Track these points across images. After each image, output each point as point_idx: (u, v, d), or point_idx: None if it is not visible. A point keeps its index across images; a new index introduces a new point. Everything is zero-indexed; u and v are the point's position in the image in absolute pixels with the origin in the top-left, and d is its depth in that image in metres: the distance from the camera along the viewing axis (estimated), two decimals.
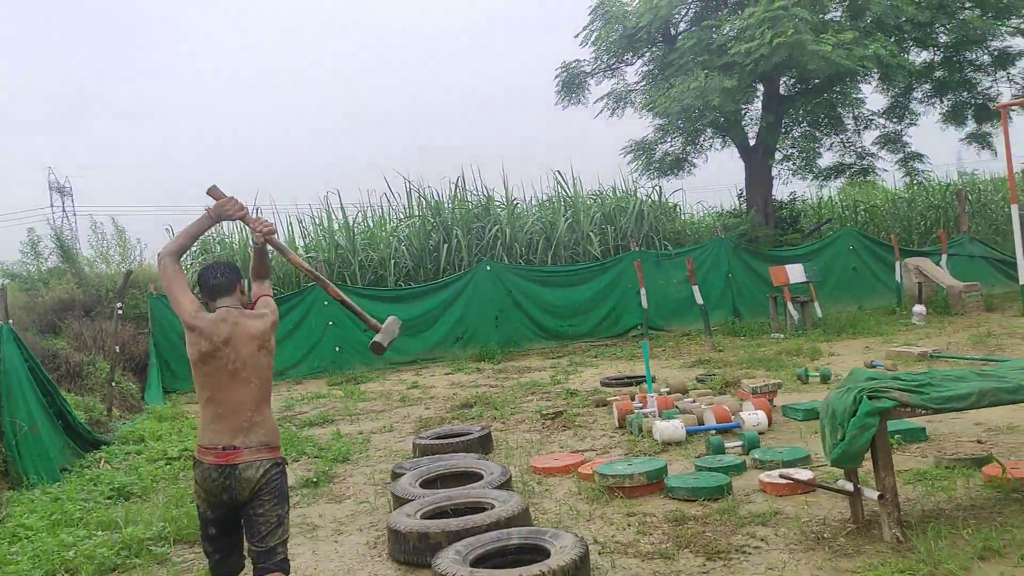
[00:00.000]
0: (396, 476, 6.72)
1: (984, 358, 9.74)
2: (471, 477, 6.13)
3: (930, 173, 18.94)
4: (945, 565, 4.07)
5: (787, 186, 19.56)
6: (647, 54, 17.81)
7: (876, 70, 15.26)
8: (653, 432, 7.27)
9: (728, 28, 15.62)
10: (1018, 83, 18.09)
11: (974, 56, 17.84)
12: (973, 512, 4.77)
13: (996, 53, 17.78)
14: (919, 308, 13.69)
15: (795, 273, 13.97)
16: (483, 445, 7.57)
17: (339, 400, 11.80)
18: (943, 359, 9.99)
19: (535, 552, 4.62)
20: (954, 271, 15.22)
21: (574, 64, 18.60)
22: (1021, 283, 7.96)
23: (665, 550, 4.73)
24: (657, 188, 17.71)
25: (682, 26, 17.40)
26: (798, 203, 19.40)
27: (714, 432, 7.30)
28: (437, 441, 7.62)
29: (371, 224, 16.75)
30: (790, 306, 13.79)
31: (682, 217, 18.31)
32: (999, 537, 4.26)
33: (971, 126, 18.57)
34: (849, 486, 4.71)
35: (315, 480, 7.16)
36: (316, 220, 16.85)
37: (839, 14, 16.18)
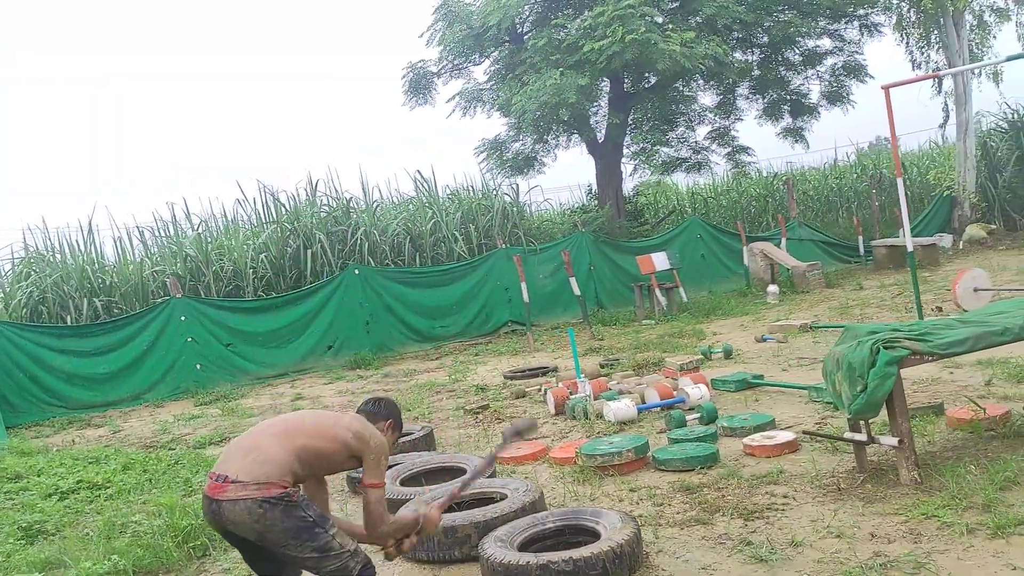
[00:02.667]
0: (351, 481, 6.36)
1: (848, 326, 10.52)
2: (454, 472, 5.88)
3: (756, 165, 20.42)
4: (975, 497, 4.35)
5: (634, 179, 20.28)
6: (495, 54, 17.93)
7: (709, 68, 16.11)
8: (605, 413, 7.30)
9: (576, 27, 16.01)
10: (826, 80, 19.85)
11: (788, 56, 19.33)
12: (964, 452, 5.12)
13: (806, 53, 19.39)
14: (773, 288, 14.64)
15: (660, 261, 14.54)
16: (427, 443, 7.29)
17: (220, 419, 10.99)
18: (822, 328, 10.73)
19: (579, 533, 4.50)
20: (791, 253, 16.41)
21: (420, 64, 18.42)
22: (910, 250, 8.64)
23: (697, 517, 4.75)
24: (514, 186, 17.89)
25: (527, 26, 17.66)
26: (643, 196, 20.25)
27: (659, 409, 7.44)
28: None
29: (224, 232, 15.76)
30: (658, 292, 14.32)
31: (539, 214, 18.58)
32: (1007, 469, 4.59)
33: (787, 121, 20.11)
34: (863, 436, 4.93)
35: None
36: (158, 232, 15.64)
37: (672, 12, 16.96)
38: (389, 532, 3.60)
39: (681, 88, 18.43)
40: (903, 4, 19.79)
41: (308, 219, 15.46)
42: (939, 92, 20.50)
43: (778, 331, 10.72)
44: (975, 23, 19.77)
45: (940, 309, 10.67)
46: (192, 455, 8.50)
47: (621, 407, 7.19)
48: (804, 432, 5.74)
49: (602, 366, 9.90)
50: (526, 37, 17.36)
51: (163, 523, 5.58)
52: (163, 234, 15.51)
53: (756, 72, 19.04)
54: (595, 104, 17.39)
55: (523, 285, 13.58)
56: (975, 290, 10.37)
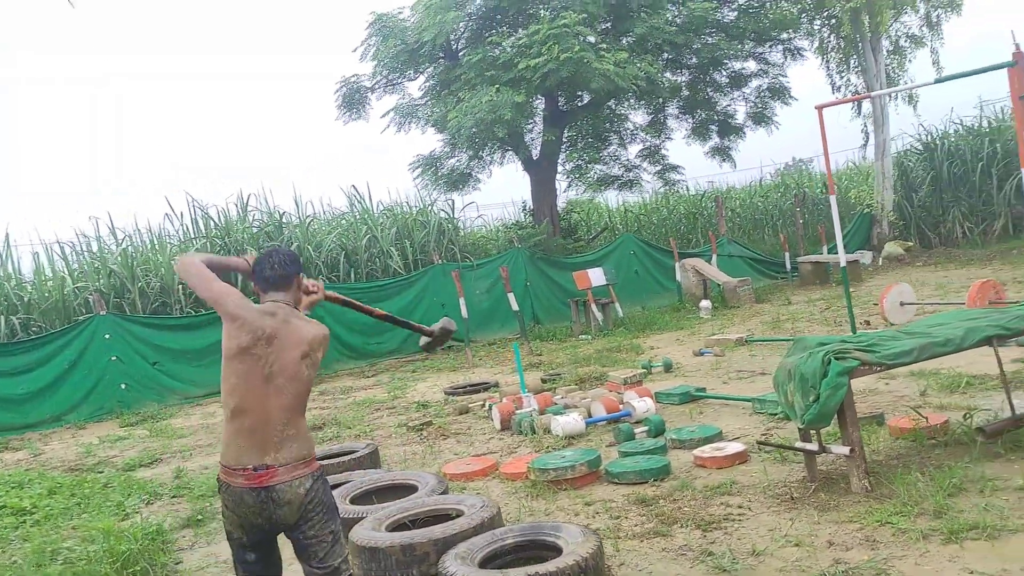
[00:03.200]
0: None
1: (790, 339, 10.79)
2: (406, 489, 5.77)
3: (685, 183, 20.79)
4: (925, 504, 4.46)
5: (568, 196, 20.42)
6: (429, 69, 17.89)
7: (641, 88, 16.36)
8: (553, 428, 7.28)
9: (510, 44, 16.10)
10: (751, 101, 20.38)
11: (715, 77, 19.80)
12: (908, 460, 5.26)
13: (733, 75, 19.90)
14: (705, 303, 14.90)
15: (596, 277, 14.65)
16: (372, 461, 7.16)
17: (148, 440, 10.61)
18: (758, 342, 10.95)
19: (539, 548, 4.46)
20: (722, 269, 16.75)
21: (354, 79, 18.25)
22: (843, 265, 8.88)
23: (656, 529, 4.76)
24: (449, 202, 17.83)
25: (462, 42, 17.68)
26: (576, 213, 20.42)
27: (606, 422, 7.47)
28: (323, 461, 7.08)
29: (151, 248, 15.28)
30: (594, 308, 14.43)
31: (475, 230, 18.55)
32: (953, 476, 4.73)
33: (715, 140, 20.55)
34: (814, 446, 5.02)
35: (199, 518, 6.39)
36: (80, 247, 15.09)
37: (605, 32, 17.20)
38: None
39: (614, 107, 18.69)
40: (824, 30, 20.50)
41: (239, 234, 15.12)
42: (859, 114, 21.26)
43: (715, 345, 10.90)
44: (892, 48, 20.58)
45: (868, 323, 11.00)
46: (122, 478, 8.19)
47: (569, 421, 7.19)
48: (758, 442, 5.83)
49: (544, 381, 9.90)
50: (461, 54, 17.38)
51: (100, 549, 5.32)
52: (86, 249, 14.94)
53: (685, 92, 19.42)
54: (530, 121, 17.48)
55: (461, 301, 13.54)
56: (901, 304, 10.73)
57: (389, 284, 15.26)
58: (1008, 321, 5.25)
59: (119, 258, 14.75)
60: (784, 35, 19.64)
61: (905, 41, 20.55)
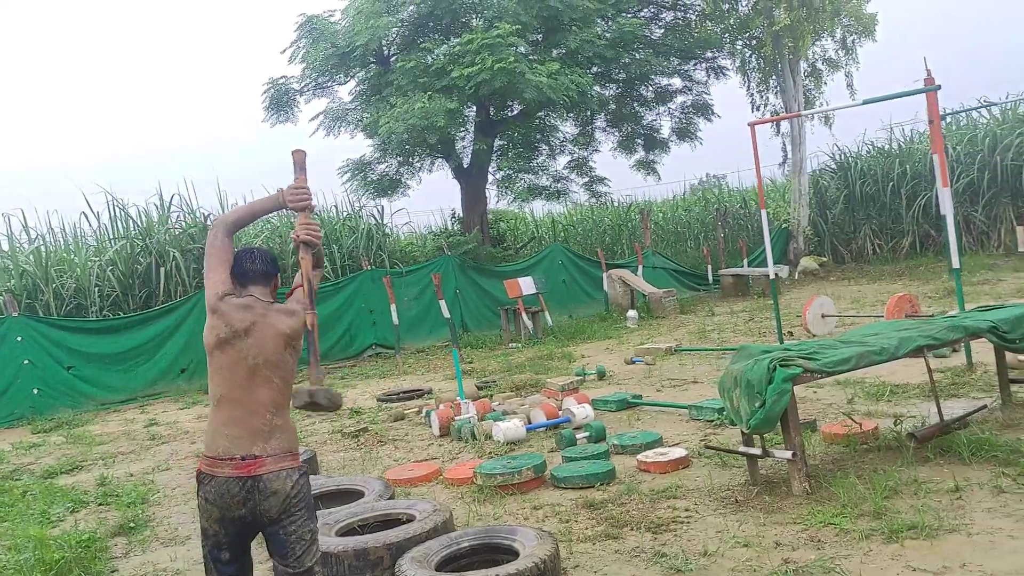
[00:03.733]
0: None
1: (718, 348, 11.10)
2: (351, 495, 5.71)
3: (611, 195, 21.15)
4: (863, 505, 4.66)
5: (499, 206, 20.51)
6: (360, 74, 17.77)
7: (572, 100, 16.58)
8: (494, 434, 7.30)
9: (443, 52, 16.13)
10: (676, 116, 20.89)
11: (642, 92, 20.23)
12: (843, 464, 5.47)
13: (659, 90, 20.37)
14: (632, 313, 15.16)
15: (527, 285, 14.76)
16: (310, 467, 7.06)
17: (66, 447, 10.20)
18: (686, 352, 11.20)
19: (494, 552, 4.49)
20: (647, 280, 17.07)
21: (282, 80, 17.98)
22: (771, 278, 9.16)
23: (606, 532, 4.83)
24: (379, 207, 17.71)
25: (394, 48, 17.61)
26: (504, 222, 20.54)
27: (546, 428, 7.54)
28: None
29: (66, 247, 14.72)
30: (524, 316, 14.52)
31: (404, 237, 18.45)
32: (889, 479, 4.94)
33: (640, 154, 20.98)
34: (757, 450, 5.18)
35: (131, 526, 6.19)
36: None
37: (536, 44, 17.39)
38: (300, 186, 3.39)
39: (544, 118, 18.88)
40: (746, 50, 21.16)
41: (161, 235, 14.69)
42: (777, 133, 21.98)
43: (645, 354, 11.10)
44: (809, 71, 21.37)
45: (791, 334, 11.37)
46: (43, 485, 7.86)
47: (510, 427, 7.22)
48: (706, 446, 5.96)
49: (479, 387, 9.92)
50: (393, 59, 17.32)
51: (31, 557, 5.11)
52: None
53: (612, 106, 19.78)
54: (462, 129, 17.53)
55: (393, 307, 13.45)
56: (823, 316, 11.14)
57: (317, 290, 15.03)
58: (936, 332, 5.52)
59: (31, 257, 14.16)
60: (708, 54, 20.22)
61: (821, 64, 21.36)
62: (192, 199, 15.90)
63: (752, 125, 8.97)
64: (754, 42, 20.77)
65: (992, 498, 4.56)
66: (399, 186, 18.34)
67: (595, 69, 18.49)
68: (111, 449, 9.70)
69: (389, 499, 5.54)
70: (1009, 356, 6.51)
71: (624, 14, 17.90)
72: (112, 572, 5.27)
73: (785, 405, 4.88)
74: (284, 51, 17.80)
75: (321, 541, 4.60)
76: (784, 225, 20.96)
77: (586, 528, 4.97)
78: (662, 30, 20.12)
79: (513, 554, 4.36)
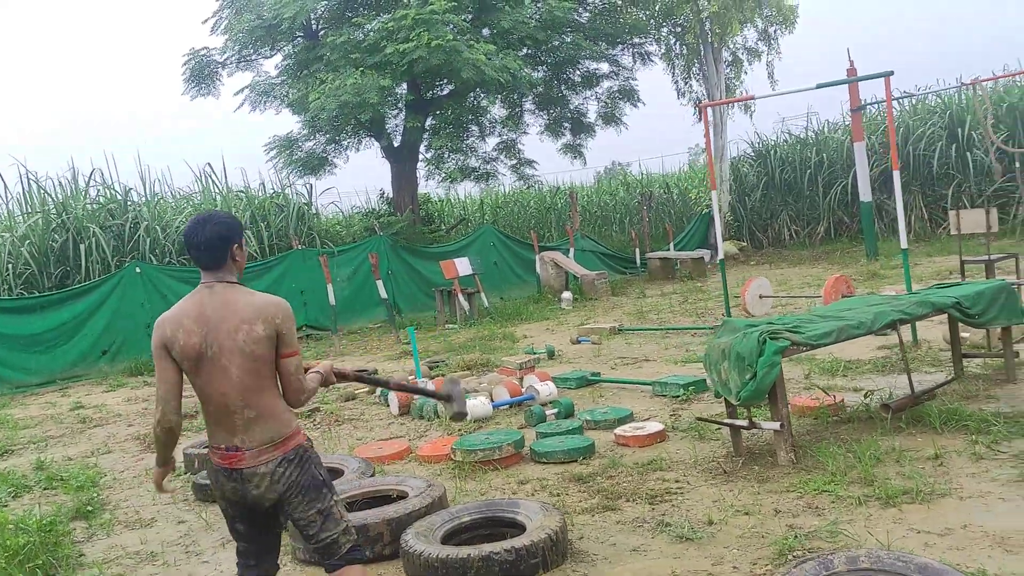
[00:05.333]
0: (202, 488, 5.86)
1: (661, 328, 11.27)
2: (333, 473, 5.54)
3: (539, 178, 21.18)
4: (850, 473, 4.79)
5: (429, 186, 20.28)
6: (287, 48, 17.25)
7: (506, 81, 16.50)
8: None
9: (375, 28, 15.81)
10: (603, 101, 21.07)
11: (570, 76, 20.31)
12: (818, 436, 5.62)
13: (586, 75, 20.49)
14: (567, 295, 15.24)
15: (463, 266, 14.66)
16: None
17: None
18: (630, 331, 11.32)
19: (499, 525, 4.44)
20: (577, 262, 17.19)
21: (203, 52, 17.31)
22: (719, 259, 9.32)
23: (602, 504, 4.84)
24: (308, 186, 17.27)
25: (322, 22, 17.16)
26: (434, 202, 20.34)
27: (508, 406, 7.51)
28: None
29: None
30: (460, 297, 14.42)
31: (333, 216, 18.05)
32: (870, 448, 5.09)
33: (567, 137, 21.08)
34: (744, 422, 5.26)
35: (88, 509, 5.88)
36: None
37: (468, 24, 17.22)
38: (311, 392, 3.22)
39: (474, 99, 18.74)
40: (671, 37, 21.47)
41: (79, 211, 13.97)
42: (699, 120, 22.40)
43: (590, 333, 11.17)
44: (731, 59, 21.85)
45: (729, 316, 11.62)
46: None
47: (477, 405, 7.16)
48: (697, 419, 6.01)
49: (431, 367, 9.80)
50: (321, 33, 16.88)
51: None
52: None
53: (540, 89, 19.79)
54: (394, 108, 17.24)
55: (329, 287, 13.15)
56: (760, 297, 11.42)
57: (245, 269, 14.55)
58: (907, 307, 5.72)
59: None
60: (636, 39, 20.44)
61: (742, 53, 21.87)
62: (112, 173, 15.15)
63: (703, 107, 9.11)
64: (679, 29, 21.11)
65: (972, 464, 4.76)
66: (326, 164, 17.92)
67: (524, 51, 18.44)
68: (39, 433, 9.19)
69: (371, 476, 5.42)
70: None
71: None
72: (79, 556, 4.99)
73: (775, 377, 4.97)
74: (206, 21, 17.19)
75: None
76: (705, 211, 21.42)
77: (580, 501, 4.96)
78: (589, 14, 20.22)
79: (516, 527, 4.32)
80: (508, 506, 4.48)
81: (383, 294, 13.63)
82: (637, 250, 19.21)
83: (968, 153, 17.64)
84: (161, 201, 15.69)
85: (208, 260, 3.08)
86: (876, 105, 19.62)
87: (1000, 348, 6.65)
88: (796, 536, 4.04)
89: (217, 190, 16.09)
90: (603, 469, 5.45)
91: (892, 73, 7.53)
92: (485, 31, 17.04)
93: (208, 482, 5.89)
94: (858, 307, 5.80)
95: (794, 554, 3.82)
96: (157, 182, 16.52)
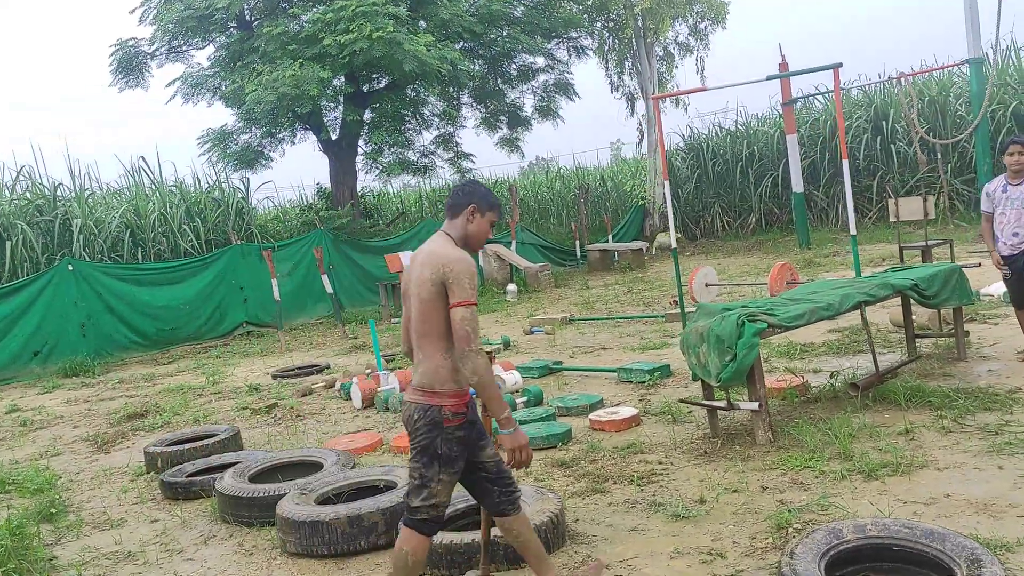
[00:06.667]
0: (171, 486, 5.71)
1: (612, 317, 11.40)
2: (311, 466, 5.48)
3: (477, 171, 21.14)
4: (828, 450, 4.95)
5: (369, 180, 20.02)
6: (220, 39, 16.83)
7: (448, 74, 16.43)
8: None
9: (312, 18, 15.55)
10: (539, 95, 21.17)
11: (506, 69, 20.34)
12: (790, 415, 5.78)
13: (522, 68, 20.55)
14: (512, 287, 15.29)
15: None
16: (236, 443, 6.72)
17: None
18: (581, 321, 11.43)
19: None
20: (519, 255, 17.25)
21: (132, 43, 16.76)
22: (673, 247, 9.46)
23: (590, 487, 4.89)
24: (244, 180, 16.88)
25: (256, 13, 16.80)
26: (371, 196, 20.11)
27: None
28: (183, 447, 6.52)
29: None
30: None
31: (272, 210, 17.67)
32: (844, 426, 5.25)
33: (504, 131, 21.13)
34: (722, 403, 5.38)
35: (51, 512, 5.66)
36: None
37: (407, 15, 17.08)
38: (478, 375, 3.20)
39: (413, 92, 18.60)
40: (604, 31, 21.68)
41: (5, 207, 13.39)
42: (632, 114, 22.74)
43: (542, 324, 11.24)
44: (662, 54, 22.18)
45: (675, 303, 11.82)
46: None
47: None
48: (680, 401, 6.10)
49: (388, 360, 9.71)
50: (256, 24, 16.53)
51: None
52: None
53: (477, 83, 19.76)
54: (333, 101, 16.99)
55: (274, 283, 12.90)
56: (706, 285, 11.66)
57: (183, 265, 14.23)
58: (870, 289, 5.92)
59: None
60: (571, 33, 20.58)
61: (674, 48, 22.22)
62: (40, 167, 14.56)
63: (655, 99, 9.23)
64: (611, 24, 21.31)
65: (942, 438, 4.96)
66: (262, 158, 17.56)
67: (461, 45, 18.39)
68: None
69: (353, 468, 5.36)
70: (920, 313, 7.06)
71: None
72: (52, 559, 4.81)
73: (755, 358, 5.10)
74: (133, 11, 16.62)
75: (307, 511, 4.42)
76: (641, 203, 21.72)
77: (567, 485, 5.00)
78: (524, 7, 20.26)
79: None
80: None
81: (329, 289, 13.43)
82: (577, 242, 19.35)
83: (892, 145, 18.29)
84: (92, 196, 15.14)
85: (448, 208, 3.45)
86: (803, 101, 20.19)
87: (950, 328, 6.94)
88: (790, 511, 4.15)
89: (151, 184, 15.60)
90: (584, 454, 5.50)
91: (841, 65, 7.76)
92: (422, 23, 16.92)
93: (176, 480, 5.82)
94: (824, 291, 5.98)
95: (793, 527, 3.93)
96: (87, 177, 15.87)
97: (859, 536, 3.26)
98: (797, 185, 17.16)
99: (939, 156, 16.59)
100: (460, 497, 4.47)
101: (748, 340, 5.05)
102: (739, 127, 22.30)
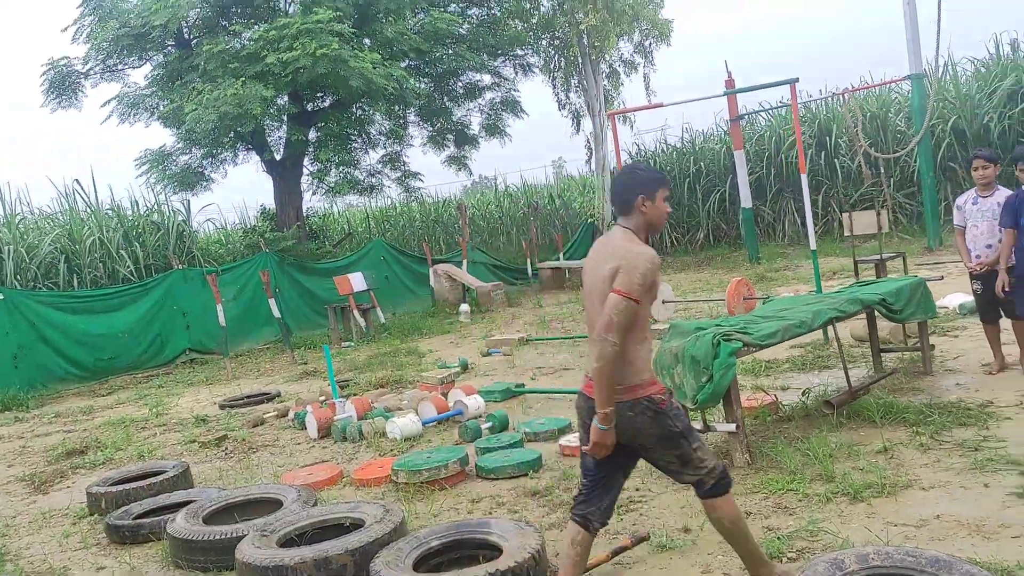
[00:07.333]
0: (118, 529, 5.35)
1: (570, 336, 11.24)
2: (270, 504, 5.17)
3: (425, 190, 20.92)
4: (808, 471, 4.82)
5: (314, 200, 19.59)
6: (158, 58, 16.34)
7: (395, 92, 16.18)
8: (389, 430, 6.92)
9: (254, 36, 15.19)
10: (485, 112, 21.04)
11: (452, 87, 20.18)
12: (764, 435, 5.65)
13: (469, 86, 20.41)
14: (464, 307, 15.04)
15: (357, 282, 14.24)
16: (185, 480, 6.36)
17: None
18: (539, 341, 11.24)
19: (471, 547, 4.20)
20: (470, 274, 17.03)
21: (64, 62, 16.17)
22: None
23: (568, 518, 4.66)
24: (185, 202, 16.35)
25: (195, 31, 16.36)
26: (316, 217, 19.70)
27: (436, 423, 7.26)
28: (129, 485, 6.14)
29: None
30: (356, 314, 14.00)
31: (214, 233, 17.16)
32: (822, 446, 5.14)
33: (451, 149, 20.93)
34: (699, 424, 5.22)
35: None
36: None
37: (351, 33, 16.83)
38: (605, 361, 3.20)
39: (359, 110, 18.29)
40: (551, 49, 21.67)
41: None
42: (578, 131, 22.74)
43: (499, 345, 11.03)
44: (608, 72, 22.24)
45: None
46: None
47: (407, 423, 6.88)
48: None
49: (342, 386, 9.40)
50: (194, 42, 16.10)
51: None
52: None
53: (423, 101, 19.55)
54: (276, 120, 16.60)
55: (219, 307, 12.44)
56: (663, 302, 11.59)
57: (121, 292, 13.67)
58: (840, 305, 5.85)
59: None
60: (517, 51, 20.51)
61: (619, 66, 22.31)
62: None
63: (612, 115, 9.16)
64: (557, 42, 21.32)
65: (922, 455, 4.88)
66: (203, 179, 17.05)
67: (407, 63, 18.18)
68: None
69: (315, 505, 5.06)
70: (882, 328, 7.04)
71: (435, 8, 17.76)
72: None
73: (731, 379, 4.96)
74: (66, 29, 16.05)
75: (269, 555, 4.12)
76: (591, 220, 21.69)
77: (543, 516, 4.79)
78: (470, 25, 20.13)
79: (491, 548, 4.10)
80: (479, 526, 4.25)
81: (276, 313, 13.03)
82: (529, 260, 19.21)
83: (836, 160, 18.56)
84: (24, 221, 14.50)
85: (616, 205, 3.47)
86: (748, 118, 20.41)
87: (915, 342, 6.92)
88: (779, 538, 4.00)
89: (86, 208, 15.01)
90: (557, 482, 5.30)
91: (797, 80, 7.78)
92: (367, 41, 16.66)
93: (122, 523, 5.45)
94: (795, 307, 5.89)
95: (787, 556, 3.77)
96: (18, 201, 15.21)
97: (863, 567, 3.10)
98: (746, 200, 17.29)
99: (882, 170, 16.88)
100: (436, 533, 4.24)
101: (724, 360, 4.92)
102: (686, 144, 22.46)
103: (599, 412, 3.25)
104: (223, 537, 4.56)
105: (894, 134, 17.93)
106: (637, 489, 5.00)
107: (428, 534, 4.24)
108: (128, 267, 14.34)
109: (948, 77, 17.80)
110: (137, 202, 15.98)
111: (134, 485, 6.12)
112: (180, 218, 15.76)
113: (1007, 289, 5.88)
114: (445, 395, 7.70)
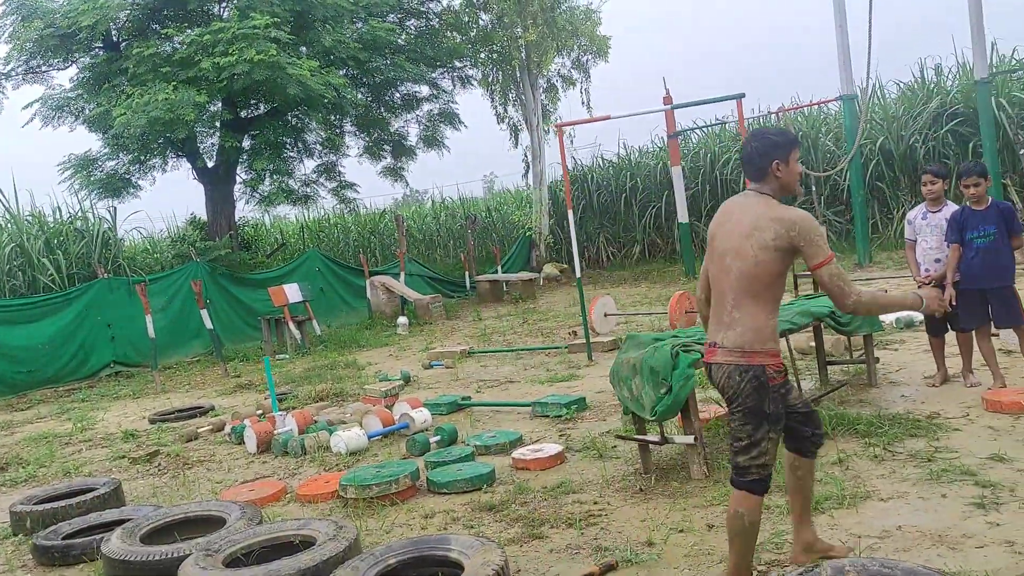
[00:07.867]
0: (46, 550, 5.03)
1: (513, 349, 11.14)
2: (213, 522, 4.91)
3: (361, 201, 20.62)
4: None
5: (247, 210, 19.11)
6: (84, 60, 15.77)
7: (333, 100, 15.92)
8: (334, 444, 6.70)
9: (187, 40, 14.78)
10: (423, 124, 20.90)
11: (390, 98, 19.99)
12: (721, 446, 5.62)
13: (407, 97, 20.25)
14: (403, 319, 14.81)
15: (293, 293, 13.89)
16: (118, 498, 6.04)
17: None
18: (482, 354, 11.11)
19: (431, 564, 4.04)
20: (407, 287, 16.81)
21: None
22: (578, 276, 9.32)
23: (527, 533, 4.56)
24: (111, 209, 15.75)
25: (124, 33, 15.84)
26: (249, 227, 19.23)
27: (381, 436, 7.06)
28: (57, 504, 5.80)
29: None
30: (291, 325, 13.66)
31: (142, 241, 16.56)
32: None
33: (388, 160, 20.72)
34: (656, 438, 5.17)
35: None
36: None
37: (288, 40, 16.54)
38: (873, 302, 3.42)
39: (295, 119, 17.96)
40: (489, 63, 21.66)
41: None
42: (516, 145, 22.75)
43: (440, 357, 10.86)
44: (546, 86, 22.35)
45: (575, 333, 11.69)
46: None
47: (353, 436, 6.67)
48: (616, 436, 5.84)
49: (280, 399, 9.10)
50: (124, 45, 15.59)
51: None
52: None
53: (360, 111, 19.30)
54: (209, 127, 16.16)
55: (148, 319, 11.98)
56: (605, 315, 11.60)
57: (42, 301, 13.07)
58: (792, 317, 5.88)
59: None
60: (456, 63, 20.44)
61: (557, 80, 22.44)
62: None
63: (559, 127, 9.13)
64: (496, 55, 21.32)
65: (877, 466, 4.90)
66: (130, 186, 16.49)
67: (345, 72, 17.92)
68: None
69: (261, 523, 4.83)
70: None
71: (374, 17, 17.56)
72: None
73: (691, 390, 4.92)
74: None
75: None
76: (528, 233, 21.68)
77: (500, 531, 4.65)
78: (408, 35, 19.98)
79: (452, 565, 3.95)
80: (438, 543, 4.09)
81: (209, 324, 12.61)
82: (467, 273, 19.08)
83: None
84: None
85: (749, 172, 3.43)
86: (684, 133, 20.69)
87: (860, 354, 7.02)
88: None
89: (4, 213, 14.34)
90: (512, 496, 5.17)
91: (743, 95, 7.86)
92: (303, 49, 16.37)
93: (51, 544, 5.12)
94: None
95: (757, 569, 3.71)
96: None
97: None
98: (683, 216, 17.48)
99: (813, 188, 17.26)
100: (393, 550, 4.07)
101: (683, 371, 4.87)
102: (622, 159, 22.65)
103: (910, 310, 3.50)
104: (164, 557, 4.31)
105: (823, 153, 18.38)
106: (596, 502, 4.91)
107: (385, 551, 4.07)
108: (50, 275, 13.73)
109: (876, 99, 18.33)
110: (60, 208, 15.37)
111: (62, 503, 5.79)
112: (106, 226, 15.18)
113: (953, 303, 5.99)
114: (390, 408, 7.51)
